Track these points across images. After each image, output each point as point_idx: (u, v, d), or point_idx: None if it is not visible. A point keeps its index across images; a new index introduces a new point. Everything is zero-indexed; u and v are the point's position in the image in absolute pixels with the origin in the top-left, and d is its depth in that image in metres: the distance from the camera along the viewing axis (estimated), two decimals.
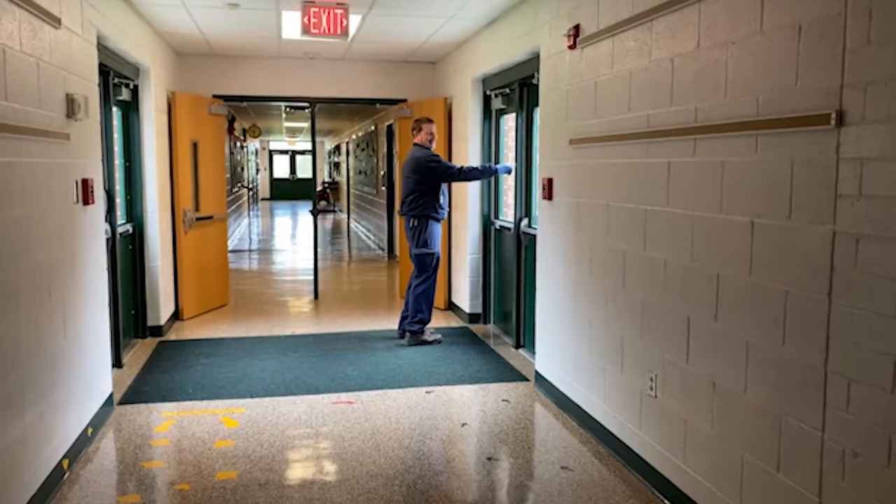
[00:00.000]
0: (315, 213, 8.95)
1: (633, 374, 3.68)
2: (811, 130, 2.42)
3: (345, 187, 21.85)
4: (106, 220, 4.91)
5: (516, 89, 5.90)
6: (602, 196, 4.00)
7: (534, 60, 5.29)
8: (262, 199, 30.39)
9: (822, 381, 2.42)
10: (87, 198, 4.09)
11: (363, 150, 16.23)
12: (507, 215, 6.63)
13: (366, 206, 15.96)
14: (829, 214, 2.36)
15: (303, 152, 32.24)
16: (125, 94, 5.84)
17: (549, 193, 4.76)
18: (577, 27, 4.26)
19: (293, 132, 24.54)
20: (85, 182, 4.07)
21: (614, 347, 3.88)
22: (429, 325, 6.28)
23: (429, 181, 6.07)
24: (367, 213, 15.70)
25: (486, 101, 6.75)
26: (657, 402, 3.46)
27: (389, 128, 12.16)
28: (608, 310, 3.95)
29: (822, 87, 2.38)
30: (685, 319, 3.20)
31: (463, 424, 4.37)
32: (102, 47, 4.79)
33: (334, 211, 24.33)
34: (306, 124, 20.47)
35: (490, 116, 6.79)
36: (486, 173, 6.14)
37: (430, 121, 6.26)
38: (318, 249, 8.96)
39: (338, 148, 24.18)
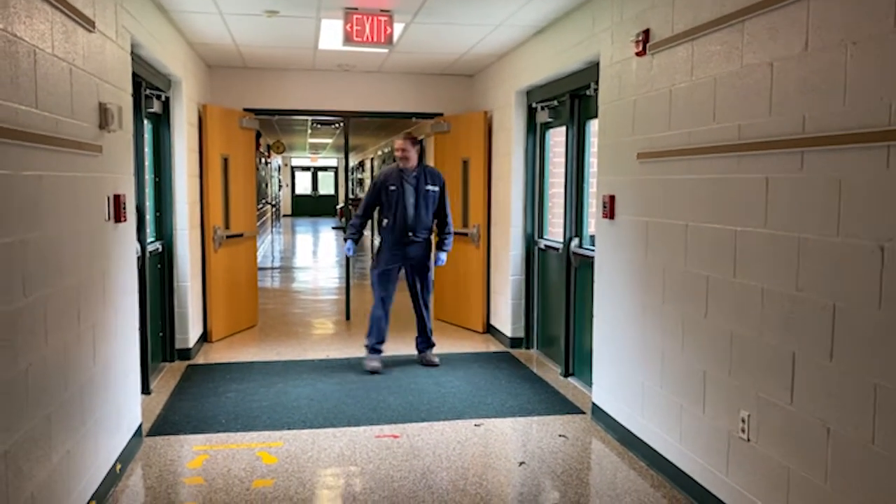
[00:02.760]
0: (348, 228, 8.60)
1: (719, 412, 3.31)
2: None
3: None
4: (136, 238, 4.63)
5: (566, 101, 5.57)
6: (678, 215, 3.65)
7: (589, 70, 4.98)
8: (284, 216, 30.24)
9: None
10: (119, 215, 3.80)
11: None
12: (554, 234, 6.29)
13: None
14: None
15: (325, 168, 32.12)
16: (156, 107, 5.59)
17: (610, 212, 4.41)
18: (646, 32, 3.93)
19: (316, 148, 24.42)
20: (117, 198, 3.78)
21: (694, 382, 3.52)
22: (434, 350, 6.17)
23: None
24: None
25: (531, 114, 6.44)
26: (750, 445, 3.09)
27: (420, 143, 11.87)
28: (685, 341, 3.59)
29: None
30: (789, 355, 2.84)
31: (521, 463, 4.01)
32: (135, 56, 4.53)
33: None
34: (330, 140, 20.33)
35: (534, 131, 6.46)
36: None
37: None
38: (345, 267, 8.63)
39: (361, 164, 23.99)
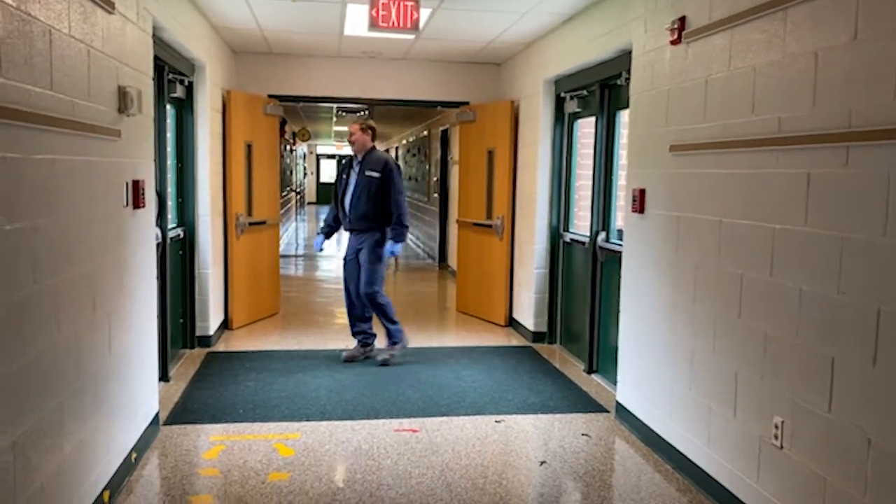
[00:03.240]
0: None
1: (750, 417, 3.18)
2: None
3: None
4: (156, 224, 4.58)
5: (596, 91, 5.42)
6: (711, 210, 3.51)
7: (620, 59, 4.83)
8: (309, 203, 30.30)
9: None
10: (137, 201, 3.74)
11: (414, 155, 15.87)
12: (580, 228, 6.16)
13: (415, 213, 15.55)
14: None
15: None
16: (179, 92, 5.53)
17: (640, 206, 4.27)
18: (682, 20, 3.78)
19: (342, 136, 24.37)
20: (136, 183, 3.72)
21: (724, 385, 3.38)
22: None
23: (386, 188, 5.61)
24: (417, 220, 15.31)
25: (559, 104, 6.29)
26: (783, 453, 2.96)
27: (444, 133, 11.77)
28: (717, 341, 3.45)
29: None
30: (828, 359, 2.70)
31: (541, 463, 3.90)
32: (158, 39, 4.46)
33: None
34: None
35: (562, 121, 6.32)
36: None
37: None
38: None
39: (386, 152, 23.88)
